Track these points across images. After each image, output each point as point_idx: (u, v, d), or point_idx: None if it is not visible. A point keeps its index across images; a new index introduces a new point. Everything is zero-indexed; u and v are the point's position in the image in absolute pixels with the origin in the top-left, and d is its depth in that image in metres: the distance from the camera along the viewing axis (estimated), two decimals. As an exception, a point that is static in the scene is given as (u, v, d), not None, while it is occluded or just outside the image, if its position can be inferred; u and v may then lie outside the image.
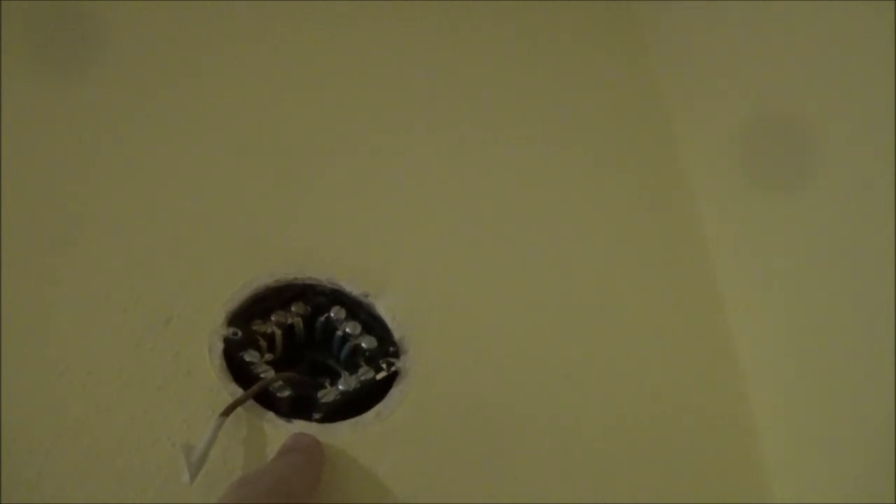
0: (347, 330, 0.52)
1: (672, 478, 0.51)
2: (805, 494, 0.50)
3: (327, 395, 0.48)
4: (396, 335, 0.52)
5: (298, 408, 0.48)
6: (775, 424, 0.54)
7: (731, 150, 0.62)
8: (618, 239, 0.62)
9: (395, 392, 0.50)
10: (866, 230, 0.49)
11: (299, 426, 0.47)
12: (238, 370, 0.48)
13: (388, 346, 0.52)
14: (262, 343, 0.50)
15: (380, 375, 0.50)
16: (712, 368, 0.57)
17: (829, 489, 0.49)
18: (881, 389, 0.46)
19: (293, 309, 0.52)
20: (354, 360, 0.51)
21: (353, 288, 0.54)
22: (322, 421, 0.48)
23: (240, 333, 0.49)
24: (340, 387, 0.49)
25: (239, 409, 0.46)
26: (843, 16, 0.52)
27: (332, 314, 0.52)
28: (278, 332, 0.51)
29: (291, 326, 0.51)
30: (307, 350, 0.52)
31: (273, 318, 0.51)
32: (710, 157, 0.65)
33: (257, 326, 0.50)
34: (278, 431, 0.47)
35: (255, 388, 0.47)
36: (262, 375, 0.48)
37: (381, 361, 0.51)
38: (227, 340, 0.49)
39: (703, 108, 0.67)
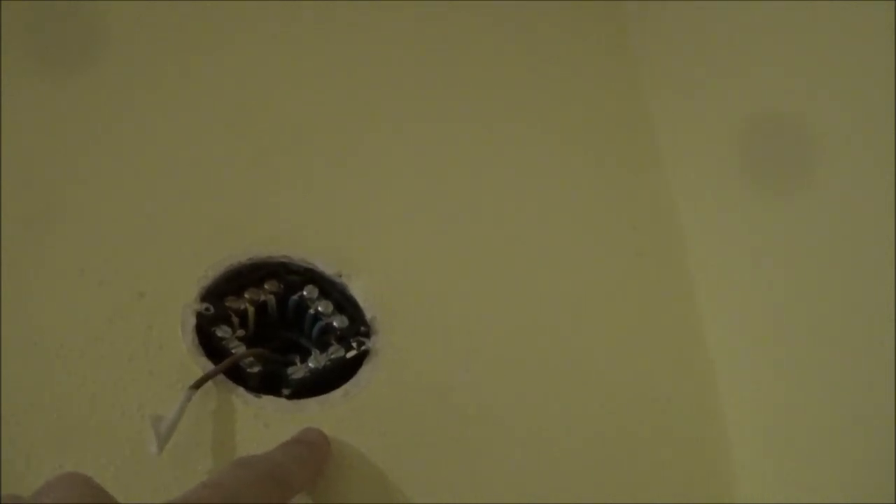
0: (320, 309, 0.52)
1: (640, 476, 0.52)
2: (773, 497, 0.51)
3: (297, 371, 0.49)
4: (368, 315, 0.53)
5: (268, 384, 0.49)
6: (747, 436, 0.55)
7: (716, 152, 0.63)
8: (596, 236, 0.63)
9: (364, 371, 0.51)
10: (856, 237, 0.49)
11: (268, 402, 0.48)
12: (210, 345, 0.49)
13: (359, 326, 0.52)
14: (235, 319, 0.51)
15: (350, 354, 0.51)
16: (687, 368, 0.57)
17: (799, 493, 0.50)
18: (863, 397, 0.47)
19: (266, 286, 0.52)
20: (325, 338, 0.52)
21: (326, 267, 0.54)
22: (291, 397, 0.49)
23: (212, 309, 0.50)
24: (310, 364, 0.50)
25: (209, 383, 0.47)
26: (839, 15, 0.52)
27: (304, 293, 0.53)
28: (251, 309, 0.51)
29: (264, 304, 0.52)
30: (279, 328, 0.53)
31: (246, 295, 0.52)
32: (695, 159, 0.66)
33: (230, 302, 0.51)
34: (247, 406, 0.47)
35: (225, 362, 0.47)
36: (233, 351, 0.49)
37: (351, 341, 0.52)
38: (199, 315, 0.50)
39: (688, 109, 0.67)
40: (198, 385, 0.46)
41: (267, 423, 0.47)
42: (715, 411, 0.56)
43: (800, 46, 0.55)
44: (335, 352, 0.51)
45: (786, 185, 0.54)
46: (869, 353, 0.46)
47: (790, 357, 0.53)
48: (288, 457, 0.43)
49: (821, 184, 0.52)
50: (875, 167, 0.47)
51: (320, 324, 0.52)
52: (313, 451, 0.45)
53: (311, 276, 0.54)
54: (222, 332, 0.50)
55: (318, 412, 0.48)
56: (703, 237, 0.62)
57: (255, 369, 0.48)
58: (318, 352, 0.51)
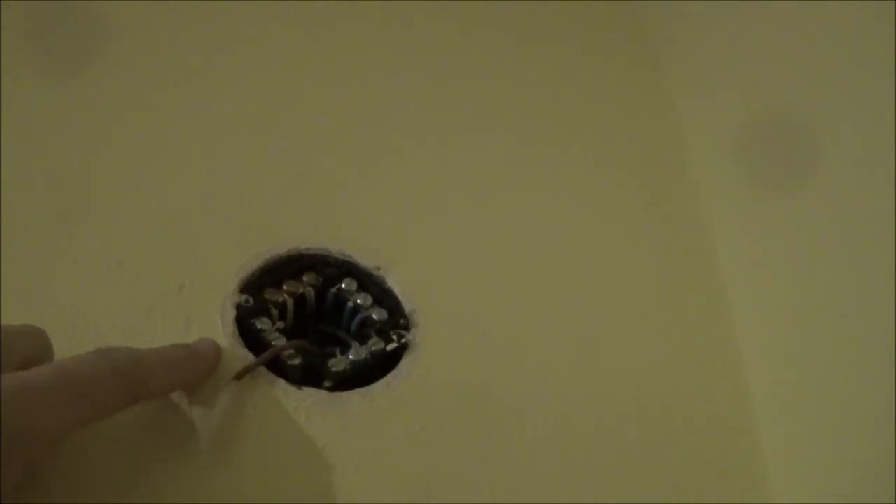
0: (358, 301, 0.52)
1: (670, 475, 0.51)
2: (804, 496, 0.51)
3: (337, 364, 0.49)
4: (407, 308, 0.53)
5: (309, 376, 0.48)
6: (776, 425, 0.54)
7: (736, 148, 0.63)
8: (621, 232, 0.63)
9: (404, 364, 0.50)
10: (873, 231, 0.49)
11: (309, 394, 0.47)
12: (249, 337, 0.49)
13: (398, 319, 0.52)
14: (274, 311, 0.50)
15: (390, 347, 0.50)
16: (714, 367, 0.57)
17: (829, 492, 0.49)
18: (883, 392, 0.46)
19: (305, 279, 0.52)
20: (364, 331, 0.52)
21: (364, 261, 0.54)
22: (332, 389, 0.48)
23: (252, 301, 0.50)
24: (350, 356, 0.49)
25: (250, 375, 0.46)
26: (850, 15, 0.52)
27: (343, 286, 0.53)
28: (290, 301, 0.51)
29: (303, 296, 0.52)
30: (318, 320, 0.53)
31: (285, 288, 0.51)
32: (715, 155, 0.65)
33: (269, 295, 0.51)
34: (288, 398, 0.47)
35: (266, 354, 0.47)
36: (273, 343, 0.48)
37: (391, 333, 0.51)
38: (239, 307, 0.49)
39: (708, 106, 0.68)
40: (239, 377, 0.46)
41: (308, 416, 0.47)
42: (750, 410, 0.55)
43: (824, 44, 0.55)
44: (375, 344, 0.50)
45: (818, 183, 0.54)
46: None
47: (823, 350, 0.52)
48: (157, 357, 0.41)
49: (845, 176, 0.52)
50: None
51: (359, 316, 0.52)
52: (192, 357, 0.44)
53: (348, 269, 0.54)
54: (262, 323, 0.49)
55: (359, 404, 0.48)
56: (732, 231, 0.62)
57: (296, 361, 0.48)
58: (357, 344, 0.50)
